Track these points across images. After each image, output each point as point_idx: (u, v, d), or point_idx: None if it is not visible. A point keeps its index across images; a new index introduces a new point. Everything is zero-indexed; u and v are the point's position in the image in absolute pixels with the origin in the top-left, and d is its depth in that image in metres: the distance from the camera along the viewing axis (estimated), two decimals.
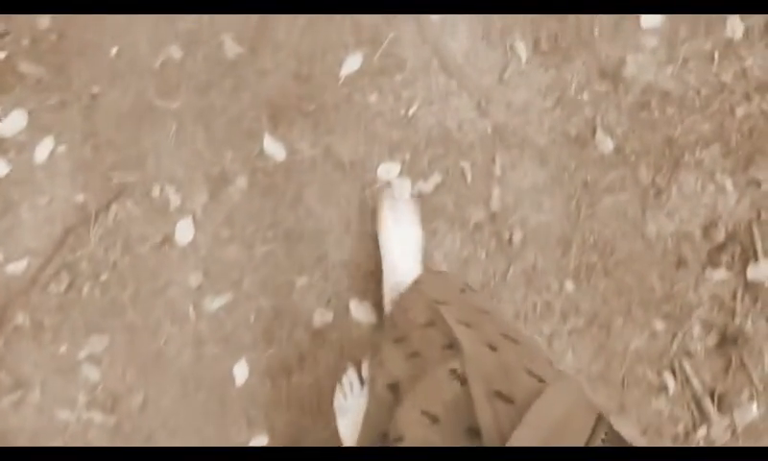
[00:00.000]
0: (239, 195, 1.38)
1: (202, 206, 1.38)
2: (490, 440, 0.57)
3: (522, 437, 0.55)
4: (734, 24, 1.43)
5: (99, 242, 1.38)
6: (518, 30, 1.42)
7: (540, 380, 0.64)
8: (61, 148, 1.41)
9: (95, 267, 1.37)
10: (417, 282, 1.00)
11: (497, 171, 1.36)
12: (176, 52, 1.41)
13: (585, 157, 1.37)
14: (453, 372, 0.66)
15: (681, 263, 1.33)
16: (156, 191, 1.39)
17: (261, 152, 1.38)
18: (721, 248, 1.34)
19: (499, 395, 0.61)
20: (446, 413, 0.63)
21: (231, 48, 1.41)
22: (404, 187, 1.36)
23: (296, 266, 1.35)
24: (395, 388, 0.74)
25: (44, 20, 1.44)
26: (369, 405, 0.83)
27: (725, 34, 1.43)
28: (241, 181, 1.38)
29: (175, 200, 1.38)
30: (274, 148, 1.38)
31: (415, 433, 0.64)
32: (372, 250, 1.32)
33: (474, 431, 0.59)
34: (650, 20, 1.43)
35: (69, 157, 1.41)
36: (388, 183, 1.37)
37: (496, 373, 0.65)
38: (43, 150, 1.41)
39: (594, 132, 1.38)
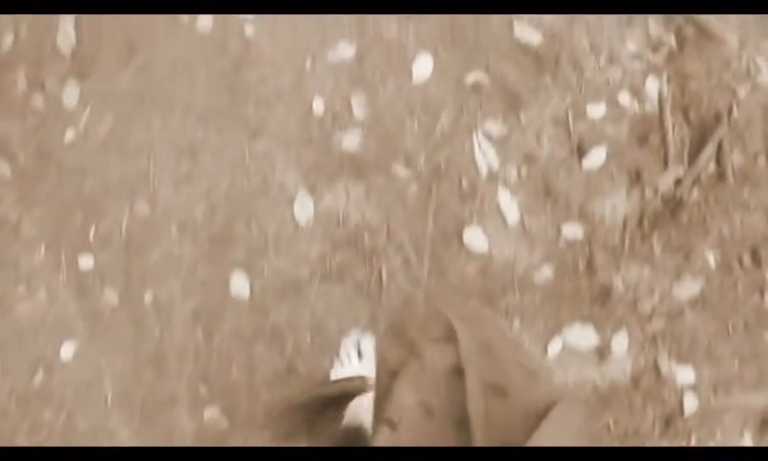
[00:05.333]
0: None
1: None
2: (478, 434, 0.58)
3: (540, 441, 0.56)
4: None
5: None
6: None
7: (531, 372, 0.68)
8: None
9: None
10: None
11: None
12: None
13: None
14: (451, 366, 0.67)
15: None
16: None
17: None
18: None
19: (493, 387, 0.63)
20: (442, 405, 0.64)
21: None
22: None
23: None
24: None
25: None
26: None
27: None
28: None
29: None
30: None
31: (410, 420, 0.64)
32: None
33: (464, 422, 0.60)
34: None
35: None
36: None
37: (490, 365, 0.67)
38: None
39: None
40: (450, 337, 0.71)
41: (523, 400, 0.62)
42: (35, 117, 1.41)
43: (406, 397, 0.67)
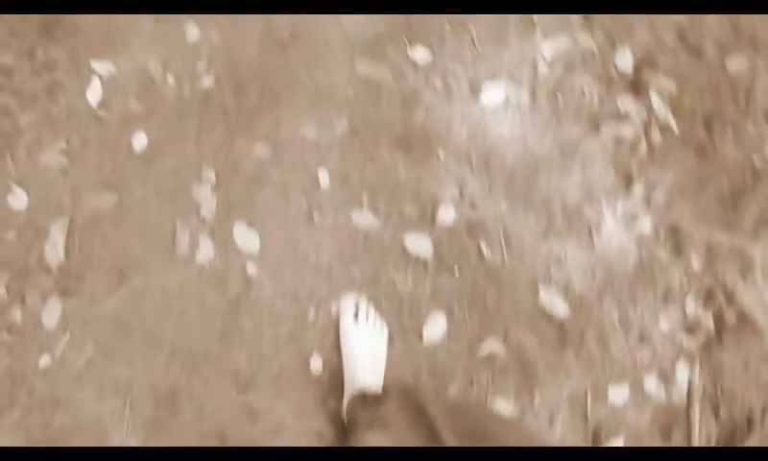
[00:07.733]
0: None
1: None
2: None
3: None
4: None
5: None
6: None
7: (504, 419, 0.74)
8: None
9: None
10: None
11: None
12: None
13: None
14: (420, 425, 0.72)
15: None
16: None
17: None
18: None
19: (469, 437, 0.66)
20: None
21: None
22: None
23: None
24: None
25: None
26: None
27: None
28: None
29: None
30: None
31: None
32: None
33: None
34: None
35: None
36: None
37: (462, 421, 0.71)
38: None
39: None
40: (420, 413, 0.76)
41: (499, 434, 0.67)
42: (10, 334, 1.30)
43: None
